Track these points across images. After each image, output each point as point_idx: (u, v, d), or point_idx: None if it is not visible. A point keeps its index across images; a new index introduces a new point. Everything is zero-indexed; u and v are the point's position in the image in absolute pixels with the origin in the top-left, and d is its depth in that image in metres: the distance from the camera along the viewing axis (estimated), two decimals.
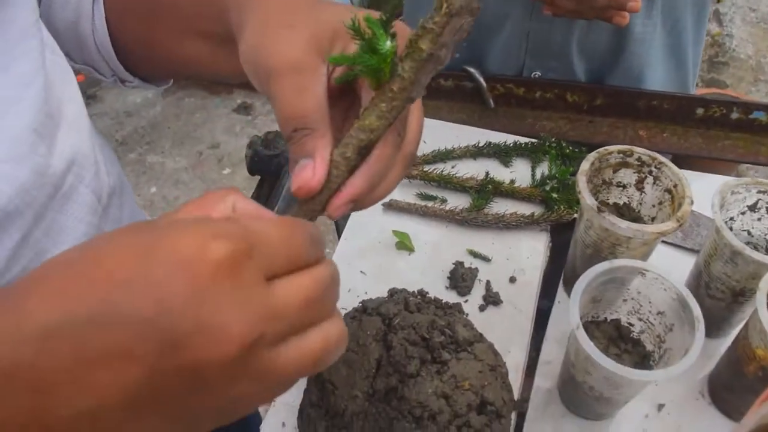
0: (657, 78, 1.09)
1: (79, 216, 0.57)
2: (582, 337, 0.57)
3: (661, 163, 0.69)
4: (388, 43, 0.34)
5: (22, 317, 0.28)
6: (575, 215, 0.83)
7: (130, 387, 0.28)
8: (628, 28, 0.95)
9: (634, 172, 0.72)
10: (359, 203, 0.41)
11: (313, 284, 0.33)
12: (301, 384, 0.71)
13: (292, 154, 0.39)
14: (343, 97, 0.44)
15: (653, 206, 0.72)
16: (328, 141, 0.39)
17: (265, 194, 1.00)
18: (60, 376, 0.27)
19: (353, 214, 0.87)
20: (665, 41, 1.06)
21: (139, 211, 0.70)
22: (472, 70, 1.09)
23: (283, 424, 0.70)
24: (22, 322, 0.28)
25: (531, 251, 0.82)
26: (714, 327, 0.72)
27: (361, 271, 0.81)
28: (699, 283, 0.71)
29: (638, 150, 0.70)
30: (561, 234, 0.87)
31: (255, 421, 1.02)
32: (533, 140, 0.93)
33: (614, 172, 0.72)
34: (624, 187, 0.74)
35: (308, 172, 0.38)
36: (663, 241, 0.83)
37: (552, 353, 0.75)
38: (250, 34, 0.43)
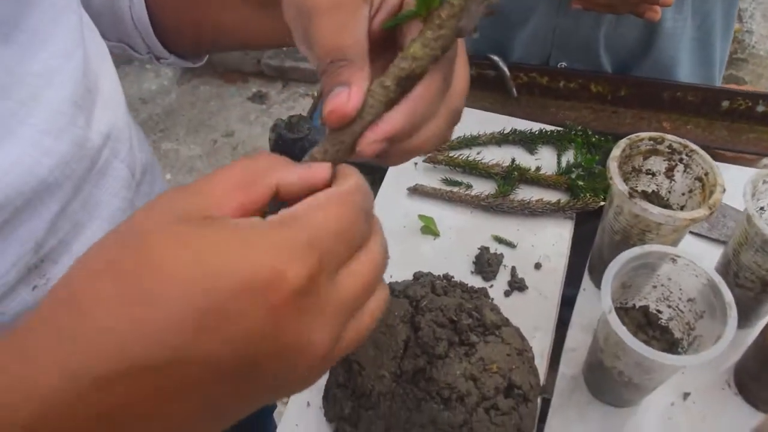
0: (684, 73, 1.09)
1: (114, 191, 0.57)
2: (614, 320, 0.57)
3: (692, 150, 0.69)
4: None
5: (105, 354, 0.26)
6: (601, 203, 0.83)
7: (207, 415, 0.29)
8: (658, 22, 0.93)
9: (664, 160, 0.71)
10: (396, 147, 0.37)
11: (371, 266, 0.32)
12: None
13: (326, 86, 0.35)
14: (383, 54, 0.41)
15: (683, 194, 0.72)
16: (366, 74, 0.36)
17: None
18: (139, 410, 0.27)
19: (379, 197, 0.87)
20: (694, 35, 1.06)
21: (166, 188, 0.71)
22: (495, 58, 1.09)
23: (308, 404, 0.70)
24: (105, 359, 0.26)
25: (556, 238, 0.82)
26: (742, 317, 0.71)
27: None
28: (727, 273, 0.70)
29: (669, 137, 0.70)
30: (582, 223, 0.87)
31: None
32: (559, 128, 0.93)
33: (644, 159, 0.72)
34: (653, 174, 0.73)
35: (343, 97, 0.34)
36: (689, 232, 0.83)
37: (577, 340, 0.74)
38: None
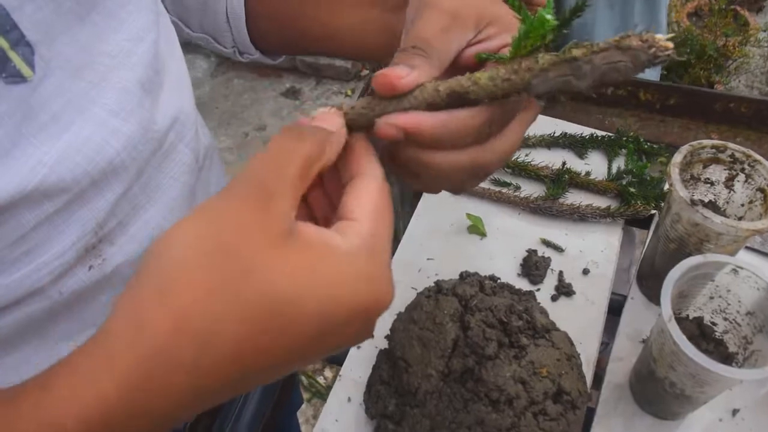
0: (600, 30, 1.14)
1: (176, 175, 0.57)
2: (674, 329, 0.55)
3: (755, 160, 0.67)
4: (551, 17, 0.33)
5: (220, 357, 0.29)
6: (653, 211, 0.81)
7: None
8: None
9: (725, 169, 0.70)
10: (406, 150, 0.37)
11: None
12: (369, 360, 0.70)
13: (395, 60, 0.36)
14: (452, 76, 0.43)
15: (742, 205, 0.70)
16: (433, 73, 0.37)
17: None
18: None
19: (425, 195, 0.86)
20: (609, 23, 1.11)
21: (223, 173, 0.70)
22: None
23: (349, 399, 0.70)
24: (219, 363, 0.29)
25: (605, 245, 0.81)
26: None
27: (429, 258, 0.81)
28: None
29: (732, 146, 0.68)
30: (627, 231, 0.85)
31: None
32: (610, 134, 0.91)
33: (704, 167, 0.70)
34: (712, 184, 0.72)
35: (400, 71, 0.35)
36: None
37: (624, 349, 0.73)
38: None
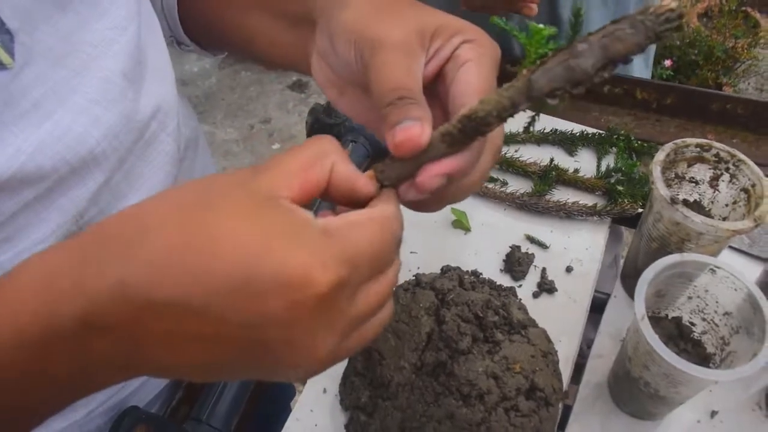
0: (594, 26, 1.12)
1: (159, 164, 0.57)
2: (646, 328, 0.55)
3: (740, 160, 0.66)
4: (542, 26, 0.33)
5: (135, 287, 0.30)
6: (640, 210, 0.81)
7: (208, 361, 0.32)
8: (558, 13, 1.04)
9: (710, 168, 0.69)
10: (453, 184, 0.38)
11: (386, 289, 0.34)
12: None
13: (393, 118, 0.36)
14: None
15: (726, 206, 0.69)
16: (430, 115, 0.37)
17: None
18: (153, 340, 0.31)
19: None
20: (603, 14, 1.10)
21: (210, 162, 0.71)
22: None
23: (324, 390, 0.69)
24: (130, 290, 0.30)
25: (591, 242, 0.80)
26: None
27: (413, 251, 0.80)
28: (765, 289, 0.68)
29: (717, 145, 0.67)
30: (612, 228, 0.85)
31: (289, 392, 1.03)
32: (600, 131, 0.90)
33: (688, 166, 0.70)
34: (697, 183, 0.71)
35: (416, 130, 0.36)
36: (729, 246, 0.80)
37: (605, 347, 0.72)
38: (357, 7, 0.42)
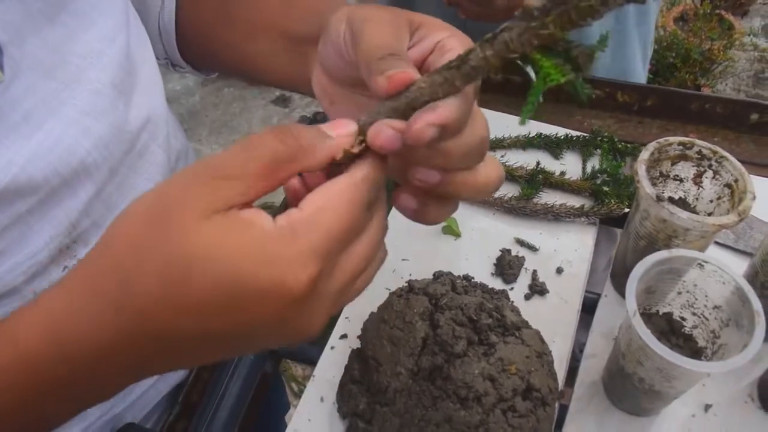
0: (601, 63, 1.14)
1: (150, 175, 0.58)
2: (638, 324, 0.55)
3: (722, 157, 0.68)
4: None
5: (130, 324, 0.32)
6: (626, 210, 0.82)
7: (215, 358, 0.36)
8: None
9: (693, 166, 0.70)
10: (444, 142, 0.36)
11: (369, 246, 0.35)
12: (343, 360, 0.70)
13: (384, 66, 0.35)
14: None
15: (710, 202, 0.71)
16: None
17: None
18: (158, 359, 0.34)
19: None
20: (600, 22, 1.10)
21: None
22: (521, 63, 1.08)
23: (322, 399, 0.70)
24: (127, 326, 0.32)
25: (579, 243, 0.81)
26: None
27: (404, 258, 0.81)
28: (754, 284, 0.69)
29: (699, 143, 0.69)
30: (604, 230, 0.86)
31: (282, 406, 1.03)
32: (585, 134, 0.92)
33: (672, 164, 0.71)
34: (681, 180, 0.72)
35: (402, 66, 0.35)
36: (716, 242, 0.81)
37: (598, 347, 0.73)
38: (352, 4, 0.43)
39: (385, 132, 0.34)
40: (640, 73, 1.23)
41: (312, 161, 0.34)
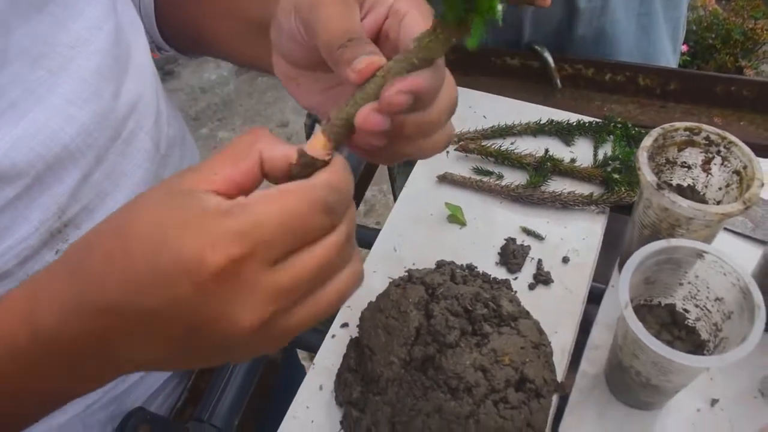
0: (626, 47, 1.10)
1: (138, 162, 0.59)
2: (630, 316, 0.54)
3: (730, 142, 0.65)
4: None
5: (87, 297, 0.33)
6: (635, 197, 0.79)
7: (163, 353, 0.35)
8: (575, 2, 1.02)
9: (701, 152, 0.68)
10: (416, 107, 0.37)
11: (324, 254, 0.34)
12: (342, 349, 0.71)
13: (349, 55, 0.36)
14: None
15: (719, 189, 0.68)
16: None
17: None
18: (86, 346, 0.35)
19: (408, 183, 0.86)
20: (628, 9, 1.07)
21: (197, 161, 0.72)
22: (539, 48, 1.06)
23: (321, 387, 0.70)
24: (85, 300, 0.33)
25: (587, 232, 0.79)
26: None
27: (408, 247, 0.80)
28: (766, 273, 0.66)
29: (707, 128, 0.66)
30: (615, 219, 0.83)
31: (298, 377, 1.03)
32: (597, 120, 0.89)
33: (679, 150, 0.69)
34: (689, 167, 0.70)
35: (375, 58, 0.36)
36: (732, 231, 0.78)
37: (602, 338, 0.72)
38: None
39: (372, 115, 0.35)
40: (668, 59, 1.19)
41: (273, 146, 0.35)
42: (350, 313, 0.75)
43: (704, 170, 0.69)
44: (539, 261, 0.77)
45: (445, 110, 0.39)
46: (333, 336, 0.74)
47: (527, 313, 0.68)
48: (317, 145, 0.35)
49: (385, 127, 0.35)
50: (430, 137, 0.40)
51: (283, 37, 0.43)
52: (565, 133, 0.88)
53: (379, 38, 0.40)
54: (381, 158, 0.42)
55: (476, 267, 0.76)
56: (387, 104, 0.34)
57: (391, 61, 0.35)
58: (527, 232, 0.79)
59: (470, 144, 0.86)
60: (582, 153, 0.87)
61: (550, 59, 1.05)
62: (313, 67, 0.44)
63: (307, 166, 0.35)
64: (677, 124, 0.66)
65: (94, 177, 0.54)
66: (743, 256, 0.72)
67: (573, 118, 0.89)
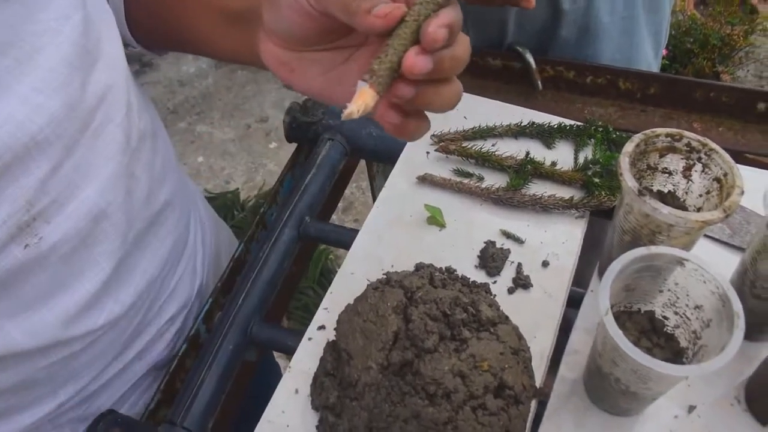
0: (608, 51, 1.12)
1: (109, 154, 0.58)
2: (610, 323, 0.54)
3: (711, 149, 0.65)
4: None
5: None
6: (616, 202, 0.79)
7: None
8: (558, 4, 1.04)
9: (682, 158, 0.68)
10: (448, 48, 0.39)
11: None
12: (319, 352, 0.69)
13: (366, 5, 0.38)
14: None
15: (700, 196, 0.68)
16: None
17: (302, 162, 0.98)
18: None
19: (387, 184, 0.85)
20: (610, 13, 1.08)
21: (172, 160, 0.71)
22: (521, 49, 1.06)
23: (296, 391, 0.69)
24: None
25: (567, 236, 0.79)
26: (756, 329, 0.68)
27: (387, 249, 0.79)
28: (744, 282, 0.66)
29: (688, 134, 0.66)
30: (596, 223, 0.83)
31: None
32: (579, 123, 0.89)
33: (660, 156, 0.68)
34: (670, 173, 0.70)
35: (396, 5, 0.38)
36: (710, 237, 0.79)
37: (580, 343, 0.71)
38: None
39: (419, 58, 0.37)
40: (650, 63, 1.20)
41: None
42: (327, 315, 0.74)
43: (685, 177, 0.68)
44: (519, 264, 0.76)
45: (467, 47, 0.41)
46: (310, 339, 0.73)
47: (506, 317, 0.67)
48: (367, 98, 0.37)
49: (429, 68, 0.37)
50: (450, 84, 0.42)
51: (282, 12, 0.42)
52: (546, 135, 0.87)
53: None
54: (406, 128, 0.43)
55: (455, 270, 0.75)
56: (432, 40, 0.37)
57: (416, 5, 0.38)
58: (507, 235, 0.79)
59: (451, 145, 0.86)
60: (563, 156, 0.86)
61: (532, 61, 1.05)
62: (316, 40, 0.44)
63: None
64: (659, 130, 0.66)
65: (64, 169, 0.53)
66: (721, 263, 0.72)
67: (554, 120, 0.89)
